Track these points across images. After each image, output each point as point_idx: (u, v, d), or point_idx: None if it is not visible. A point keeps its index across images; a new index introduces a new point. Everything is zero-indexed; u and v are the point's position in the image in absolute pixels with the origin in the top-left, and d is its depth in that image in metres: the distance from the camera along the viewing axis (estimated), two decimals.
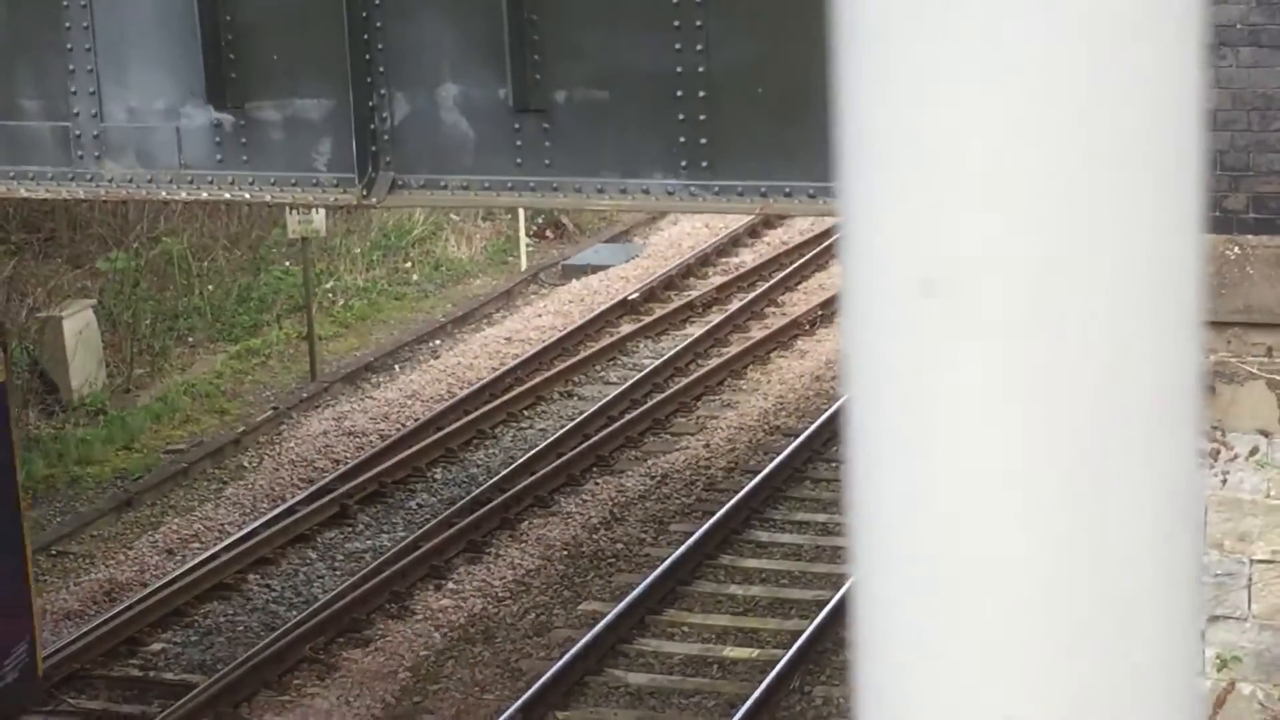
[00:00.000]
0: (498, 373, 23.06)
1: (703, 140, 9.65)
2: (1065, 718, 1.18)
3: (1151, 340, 1.19)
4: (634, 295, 26.08)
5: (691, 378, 22.59)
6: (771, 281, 26.43)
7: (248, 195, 10.65)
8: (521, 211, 28.18)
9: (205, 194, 10.68)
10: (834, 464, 20.09)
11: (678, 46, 9.57)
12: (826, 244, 27.36)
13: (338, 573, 18.07)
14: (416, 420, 21.54)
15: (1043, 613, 1.18)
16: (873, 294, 1.22)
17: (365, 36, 10.11)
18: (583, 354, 23.83)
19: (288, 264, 25.82)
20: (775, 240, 28.96)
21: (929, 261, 1.21)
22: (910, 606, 1.21)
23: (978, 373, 1.21)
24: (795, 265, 27.04)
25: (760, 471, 19.54)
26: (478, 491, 19.51)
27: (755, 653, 16.23)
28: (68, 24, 10.60)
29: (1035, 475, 1.19)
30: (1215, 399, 9.09)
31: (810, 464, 20.11)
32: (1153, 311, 1.19)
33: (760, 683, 15.37)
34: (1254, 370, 9.03)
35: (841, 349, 1.26)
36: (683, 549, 17.73)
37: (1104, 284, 1.18)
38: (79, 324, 21.76)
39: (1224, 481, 9.27)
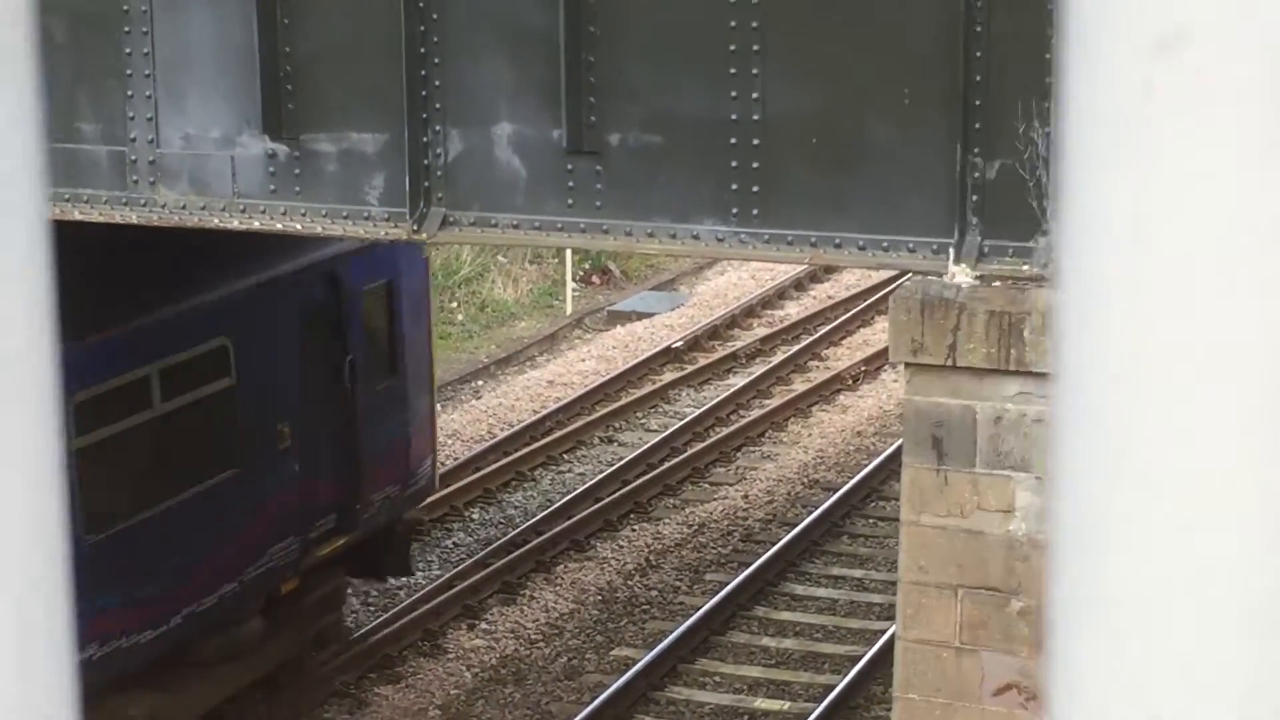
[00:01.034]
0: (539, 415, 23.07)
1: (754, 188, 9.65)
2: None
3: None
4: (678, 343, 26.09)
5: (732, 428, 22.57)
6: (816, 335, 26.41)
7: (299, 226, 10.68)
8: (569, 255, 28.24)
9: (258, 223, 10.72)
10: (872, 520, 20.03)
11: (733, 94, 9.58)
12: (872, 299, 27.33)
13: (371, 608, 18.08)
14: (456, 459, 21.55)
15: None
16: (1097, 46, 1.04)
17: (422, 72, 10.15)
18: (624, 400, 23.84)
19: None
20: (821, 294, 28.94)
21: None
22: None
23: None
24: (840, 320, 27.02)
25: (798, 524, 19.50)
26: (514, 533, 19.52)
27: (786, 705, 16.17)
28: (128, 49, 10.67)
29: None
30: None
31: (848, 519, 20.06)
32: None
33: None
34: None
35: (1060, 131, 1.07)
36: (717, 599, 17.70)
37: None
38: None
39: None
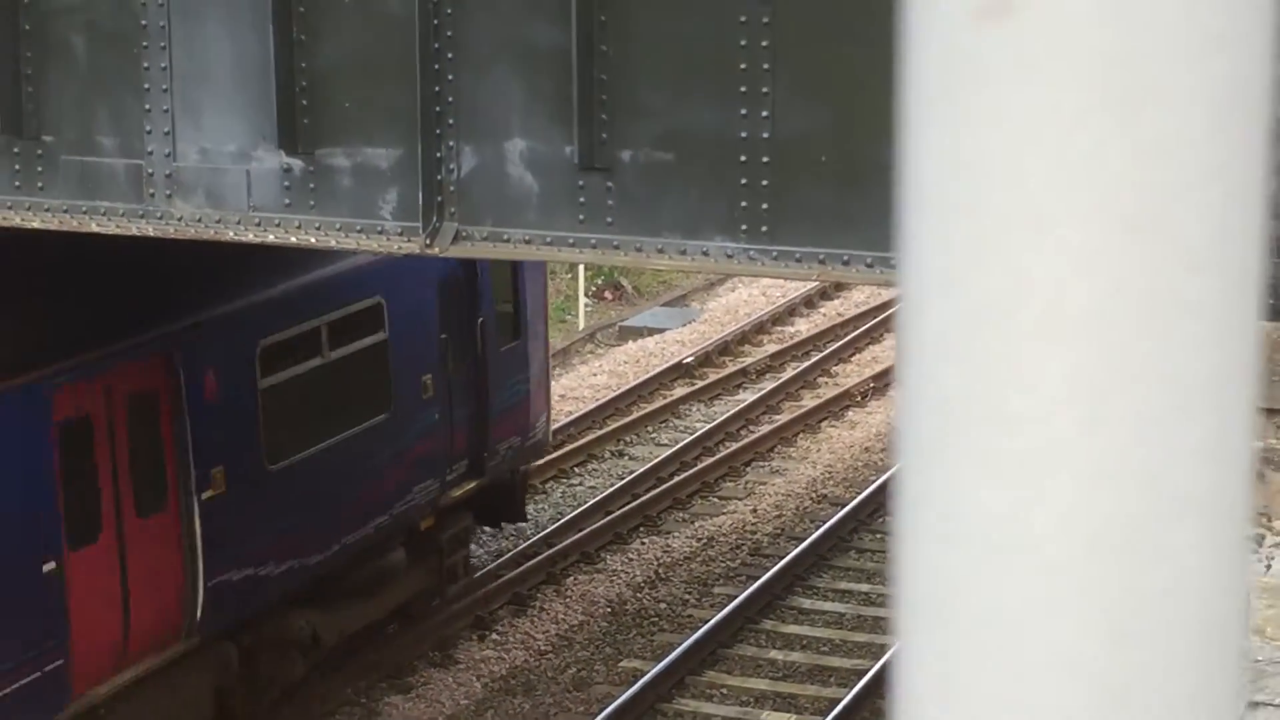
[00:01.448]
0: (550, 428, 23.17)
1: (764, 205, 9.74)
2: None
3: (1204, 422, 1.09)
4: (689, 359, 26.18)
5: (742, 443, 22.66)
6: (825, 352, 26.49)
7: (313, 240, 10.79)
8: (581, 271, 28.34)
9: (272, 236, 10.83)
10: (880, 535, 20.12)
11: (744, 112, 9.68)
12: (882, 317, 27.42)
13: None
14: None
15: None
16: (930, 16, 1.06)
17: (436, 89, 10.25)
18: (635, 414, 23.93)
19: None
20: (831, 311, 29.03)
21: None
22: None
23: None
24: (850, 337, 27.11)
25: (806, 539, 19.59)
26: (525, 545, 19.62)
27: (793, 718, 16.26)
28: (146, 64, 10.79)
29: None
30: (1263, 485, 9.12)
31: (856, 534, 20.15)
32: (1206, 395, 1.09)
33: None
34: None
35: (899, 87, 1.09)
36: (725, 612, 17.79)
37: (1161, 370, 1.08)
38: None
39: (1268, 568, 9.29)
